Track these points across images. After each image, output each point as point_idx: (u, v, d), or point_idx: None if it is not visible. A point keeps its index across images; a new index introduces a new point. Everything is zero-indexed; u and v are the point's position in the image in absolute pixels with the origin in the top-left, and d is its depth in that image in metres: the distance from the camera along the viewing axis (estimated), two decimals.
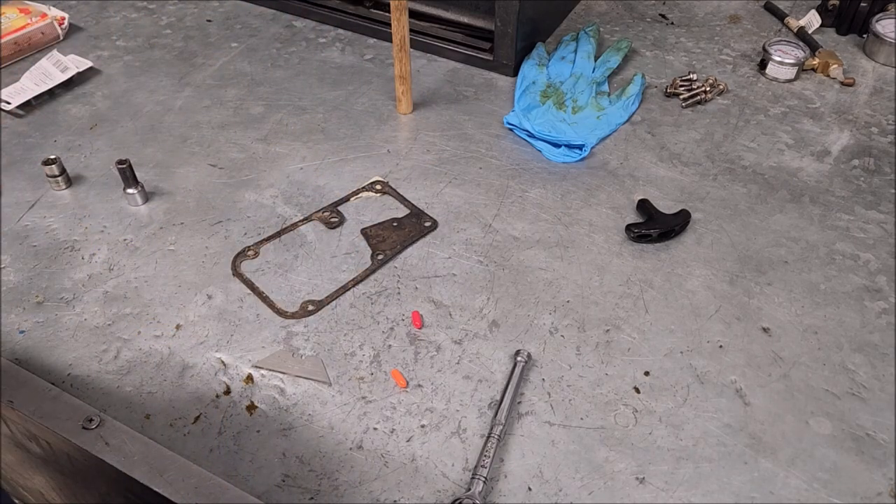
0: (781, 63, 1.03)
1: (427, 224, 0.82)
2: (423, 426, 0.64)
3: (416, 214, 0.84)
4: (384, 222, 0.83)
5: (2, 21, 1.07)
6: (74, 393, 0.66)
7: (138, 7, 1.21)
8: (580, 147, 0.91)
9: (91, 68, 1.05)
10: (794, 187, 0.87)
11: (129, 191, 0.84)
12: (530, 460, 0.61)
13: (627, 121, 0.97)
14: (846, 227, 0.82)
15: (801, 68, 1.04)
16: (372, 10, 1.12)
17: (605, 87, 1.02)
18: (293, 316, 0.73)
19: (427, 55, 1.09)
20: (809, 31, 1.12)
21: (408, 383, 0.67)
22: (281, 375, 0.68)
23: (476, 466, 0.60)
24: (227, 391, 0.67)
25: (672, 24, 1.17)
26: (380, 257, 0.78)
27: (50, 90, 1.00)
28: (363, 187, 0.87)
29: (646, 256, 0.79)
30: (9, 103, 0.98)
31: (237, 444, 0.63)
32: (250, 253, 0.79)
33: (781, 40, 1.07)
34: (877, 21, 1.08)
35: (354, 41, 1.13)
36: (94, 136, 0.95)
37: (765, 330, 0.72)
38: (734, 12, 1.20)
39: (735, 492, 0.59)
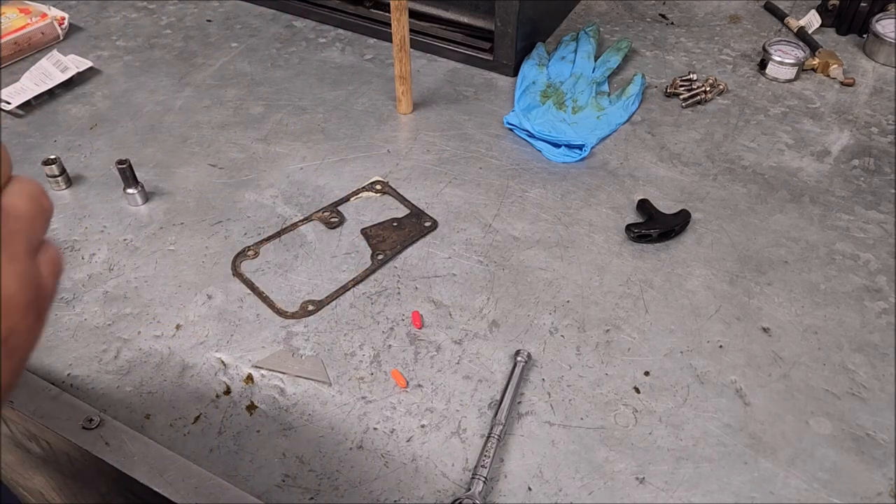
0: (781, 63, 1.03)
1: (427, 224, 0.82)
2: (423, 426, 0.64)
3: (416, 214, 0.84)
4: (384, 222, 0.83)
5: (2, 21, 1.07)
6: (74, 393, 0.66)
7: (138, 7, 1.21)
8: (580, 147, 0.91)
9: (91, 68, 1.05)
10: (794, 187, 0.87)
11: (129, 191, 0.84)
12: (530, 460, 0.61)
13: (627, 121, 0.97)
14: (846, 227, 0.82)
15: (801, 68, 1.04)
16: (372, 10, 1.12)
17: (605, 87, 1.02)
18: (293, 316, 0.73)
19: (427, 55, 1.09)
20: (809, 31, 1.12)
21: (408, 383, 0.67)
22: (281, 375, 0.68)
23: (476, 466, 0.60)
24: (227, 391, 0.67)
25: (672, 24, 1.17)
26: (380, 257, 0.78)
27: (50, 90, 1.00)
28: (363, 187, 0.87)
29: (646, 256, 0.79)
30: (9, 103, 0.98)
31: (237, 444, 0.63)
32: (250, 253, 0.79)
33: (781, 40, 1.07)
34: (877, 21, 1.08)
35: (354, 41, 1.13)
36: (94, 136, 0.95)
37: (765, 330, 0.72)
38: (734, 12, 1.20)
39: (735, 492, 0.59)
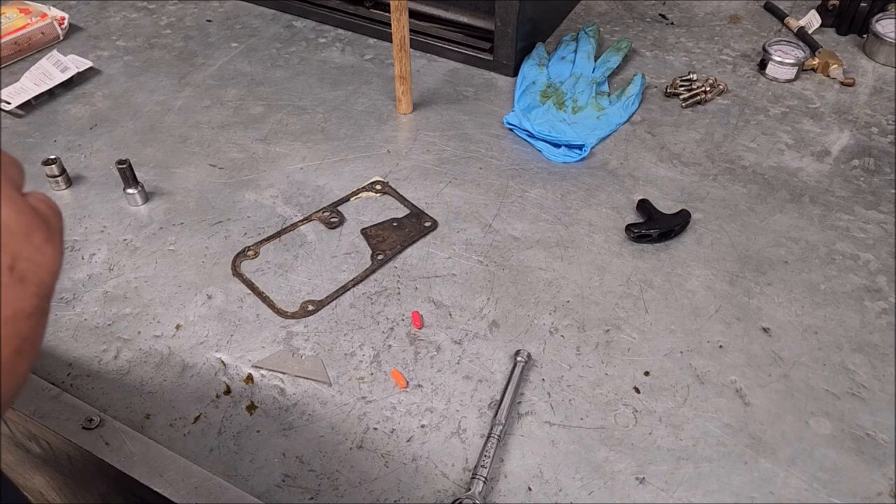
0: (781, 63, 1.03)
1: (427, 224, 0.82)
2: (423, 426, 0.64)
3: (416, 214, 0.84)
4: (384, 222, 0.83)
5: (2, 21, 1.07)
6: (74, 393, 0.66)
7: (138, 7, 1.21)
8: (580, 147, 0.91)
9: (91, 68, 1.05)
10: (794, 187, 0.87)
11: (129, 191, 0.84)
12: (530, 460, 0.61)
13: (627, 121, 0.97)
14: (846, 227, 0.82)
15: (801, 68, 1.04)
16: (372, 10, 1.12)
17: (605, 87, 1.02)
18: (293, 316, 0.73)
19: (427, 55, 1.09)
20: (809, 31, 1.12)
21: (408, 383, 0.67)
22: (281, 375, 0.68)
23: (476, 466, 0.60)
24: (228, 391, 0.67)
25: (672, 24, 1.17)
26: (380, 257, 0.78)
27: (50, 90, 1.00)
28: (363, 187, 0.87)
29: (646, 256, 0.79)
30: (9, 103, 0.98)
31: (237, 444, 0.63)
32: (250, 253, 0.79)
33: (781, 40, 1.07)
34: (877, 21, 1.08)
35: (354, 41, 1.13)
36: (94, 136, 0.95)
37: (765, 330, 0.72)
38: (734, 12, 1.20)
39: (735, 492, 0.59)
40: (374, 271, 0.77)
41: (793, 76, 1.03)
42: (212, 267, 0.78)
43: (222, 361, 0.69)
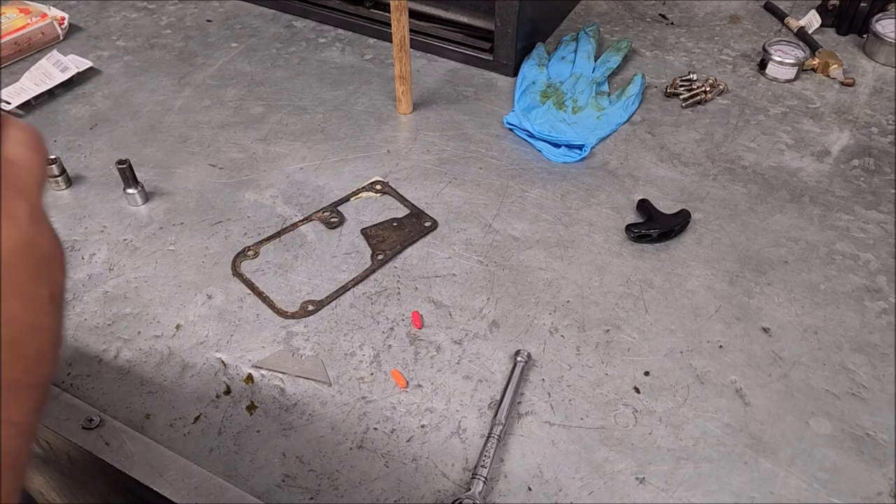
0: (781, 63, 1.03)
1: (427, 224, 0.82)
2: (423, 426, 0.64)
3: (416, 214, 0.84)
4: (384, 222, 0.83)
5: (2, 21, 1.07)
6: (74, 393, 0.66)
7: (138, 7, 1.21)
8: (580, 147, 0.91)
9: (91, 68, 1.05)
10: (794, 187, 0.87)
11: (129, 191, 0.84)
12: (530, 460, 0.61)
13: (627, 121, 0.97)
14: (846, 227, 0.82)
15: (801, 68, 1.04)
16: (372, 10, 1.12)
17: (605, 87, 1.02)
18: (293, 316, 0.73)
19: (427, 55, 1.09)
20: (809, 31, 1.12)
21: (408, 383, 0.67)
22: (281, 375, 0.68)
23: (476, 466, 0.60)
24: (228, 391, 0.67)
25: (672, 24, 1.17)
26: (380, 257, 0.78)
27: (50, 90, 1.00)
28: (363, 187, 0.87)
29: (646, 256, 0.79)
30: (9, 103, 0.98)
31: (237, 444, 0.63)
32: (250, 253, 0.79)
33: (781, 40, 1.07)
34: (877, 21, 1.08)
35: (354, 41, 1.13)
36: (94, 136, 0.95)
37: (765, 330, 0.72)
38: (734, 12, 1.20)
39: (735, 492, 0.59)
40: (374, 271, 0.77)
41: (793, 76, 1.03)
42: (212, 267, 0.78)
43: (222, 361, 0.69)
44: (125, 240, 0.81)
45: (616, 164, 0.91)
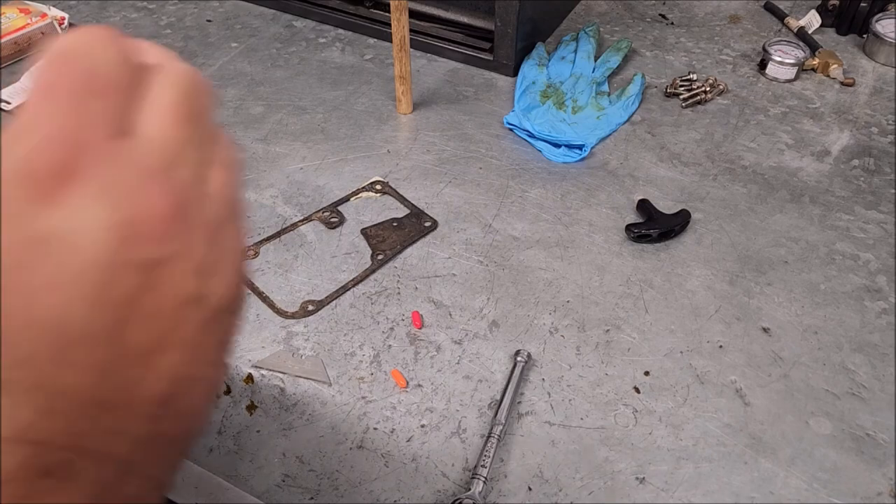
0: (781, 63, 1.03)
1: (427, 224, 0.82)
2: (423, 426, 0.64)
3: (416, 214, 0.84)
4: (384, 222, 0.83)
5: (2, 21, 1.07)
6: None
7: (138, 7, 1.21)
8: (580, 147, 0.91)
9: None
10: (794, 187, 0.87)
11: None
12: (530, 460, 0.61)
13: (627, 121, 0.97)
14: (846, 227, 0.82)
15: (801, 68, 1.04)
16: (372, 10, 1.12)
17: (605, 87, 1.02)
18: (293, 316, 0.73)
19: (427, 55, 1.09)
20: (809, 31, 1.12)
21: (408, 383, 0.67)
22: (281, 375, 0.68)
23: (476, 466, 0.60)
24: (227, 391, 0.67)
25: (672, 24, 1.17)
26: (380, 257, 0.78)
27: None
28: (363, 187, 0.87)
29: (646, 256, 0.79)
30: (9, 103, 0.98)
31: (237, 444, 0.63)
32: (250, 253, 0.79)
33: (781, 40, 1.07)
34: (877, 21, 1.08)
35: (354, 41, 1.13)
36: None
37: (765, 330, 0.72)
38: (734, 12, 1.20)
39: (735, 492, 0.59)
40: (374, 271, 0.77)
41: (793, 76, 1.03)
42: None
43: None
44: None
45: (616, 164, 0.91)
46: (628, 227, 0.81)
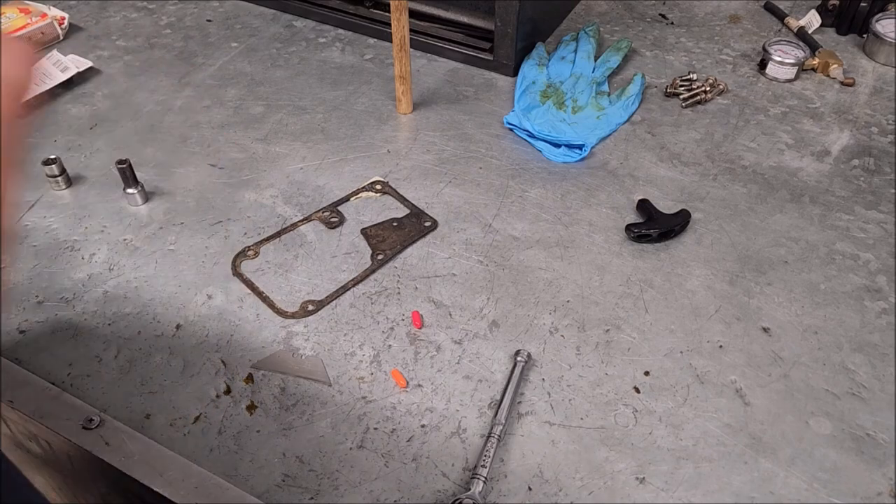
0: (781, 63, 1.03)
1: (427, 224, 0.82)
2: (423, 426, 0.64)
3: (416, 214, 0.84)
4: (384, 222, 0.83)
5: (2, 21, 1.07)
6: (74, 393, 0.66)
7: (138, 7, 1.21)
8: (580, 147, 0.91)
9: (91, 68, 1.05)
10: (794, 187, 0.87)
11: (129, 191, 0.84)
12: (530, 460, 0.61)
13: (627, 121, 0.97)
14: (846, 227, 0.82)
15: (801, 68, 1.04)
16: (372, 10, 1.12)
17: (605, 87, 1.02)
18: (293, 316, 0.73)
19: (427, 55, 1.09)
20: (809, 31, 1.12)
21: (408, 383, 0.67)
22: (281, 375, 0.68)
23: (476, 466, 0.60)
24: (228, 391, 0.67)
25: (672, 24, 1.17)
26: (380, 257, 0.78)
27: (50, 90, 1.00)
28: (363, 187, 0.87)
29: (646, 256, 0.79)
30: None
31: (237, 444, 0.63)
32: (250, 253, 0.79)
33: (781, 40, 1.07)
34: (877, 21, 1.08)
35: (354, 41, 1.13)
36: (94, 136, 0.95)
37: (765, 330, 0.72)
38: (734, 12, 1.20)
39: (735, 492, 0.59)
40: (374, 271, 0.77)
41: (793, 76, 1.03)
42: (212, 267, 0.78)
43: (222, 361, 0.69)
44: (125, 240, 0.81)
45: (616, 164, 0.91)
46: (628, 227, 0.81)
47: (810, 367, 0.68)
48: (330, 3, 1.15)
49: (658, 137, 0.95)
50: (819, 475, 0.60)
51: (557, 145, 0.92)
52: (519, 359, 0.67)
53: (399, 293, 0.75)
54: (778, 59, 1.03)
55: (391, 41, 0.91)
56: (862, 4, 1.10)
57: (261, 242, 0.80)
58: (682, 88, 1.01)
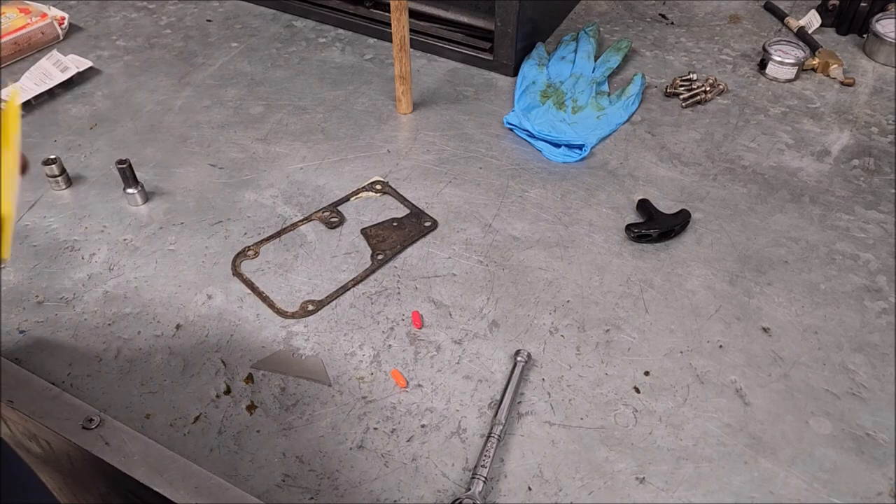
0: (781, 63, 1.03)
1: (427, 224, 0.82)
2: (423, 426, 0.64)
3: (416, 214, 0.84)
4: (384, 222, 0.83)
5: (2, 21, 1.07)
6: (74, 393, 0.66)
7: (138, 7, 1.21)
8: (580, 147, 0.91)
9: (91, 68, 1.05)
10: (794, 187, 0.87)
11: (129, 191, 0.84)
12: (530, 460, 0.61)
13: (627, 121, 0.97)
14: (846, 227, 0.82)
15: (801, 68, 1.04)
16: (372, 10, 1.12)
17: (605, 87, 1.02)
18: (293, 316, 0.73)
19: (427, 55, 1.09)
20: (809, 31, 1.12)
21: (408, 383, 0.67)
22: (281, 375, 0.68)
23: (476, 466, 0.60)
24: (228, 391, 0.67)
25: (672, 24, 1.17)
26: (380, 257, 0.78)
27: (50, 90, 1.00)
28: (363, 187, 0.87)
29: (646, 256, 0.79)
30: None
31: (237, 444, 0.63)
32: (250, 253, 0.79)
33: (781, 40, 1.07)
34: (877, 21, 1.08)
35: (354, 41, 1.13)
36: (94, 136, 0.95)
37: (765, 330, 0.72)
38: (734, 12, 1.20)
39: (735, 492, 0.59)
40: (374, 271, 0.77)
41: (793, 76, 1.03)
42: (212, 267, 0.78)
43: (222, 361, 0.69)
44: (125, 240, 0.81)
45: (616, 164, 0.91)
46: (628, 227, 0.81)
47: (810, 367, 0.68)
48: (330, 3, 1.15)
49: (658, 137, 0.95)
50: (819, 475, 0.60)
51: (557, 145, 0.92)
52: (519, 359, 0.67)
53: (399, 293, 0.75)
54: (778, 59, 1.03)
55: (391, 41, 0.91)
56: (862, 4, 1.10)
57: (261, 242, 0.80)
58: (682, 88, 1.01)
